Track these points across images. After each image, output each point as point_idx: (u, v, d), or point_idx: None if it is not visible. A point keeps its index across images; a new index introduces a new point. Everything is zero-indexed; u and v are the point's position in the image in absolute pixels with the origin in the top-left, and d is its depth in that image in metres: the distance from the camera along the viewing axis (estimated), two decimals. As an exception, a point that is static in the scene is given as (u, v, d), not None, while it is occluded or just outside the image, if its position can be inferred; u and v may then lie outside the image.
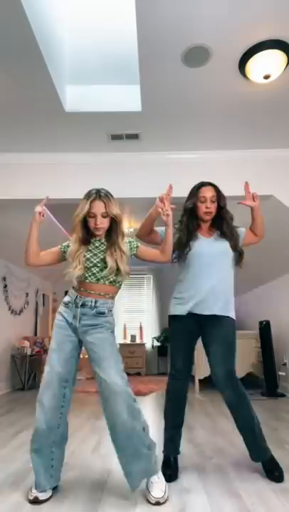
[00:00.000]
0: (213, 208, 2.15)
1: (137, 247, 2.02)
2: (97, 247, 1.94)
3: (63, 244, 2.04)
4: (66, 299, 1.94)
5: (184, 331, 2.13)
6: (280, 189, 3.84)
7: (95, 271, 1.89)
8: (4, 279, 5.74)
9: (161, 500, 1.69)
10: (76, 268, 1.85)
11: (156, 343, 8.35)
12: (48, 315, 7.85)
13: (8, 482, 1.97)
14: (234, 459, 2.30)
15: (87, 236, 1.96)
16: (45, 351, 6.45)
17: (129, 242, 2.00)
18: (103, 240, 1.96)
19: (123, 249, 1.91)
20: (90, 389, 5.42)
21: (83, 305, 1.87)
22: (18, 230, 5.11)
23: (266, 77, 2.74)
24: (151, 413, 3.91)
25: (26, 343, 5.88)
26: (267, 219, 4.23)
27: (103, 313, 1.88)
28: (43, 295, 7.50)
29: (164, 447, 2.13)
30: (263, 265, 5.26)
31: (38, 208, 2.00)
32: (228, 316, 2.09)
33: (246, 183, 2.23)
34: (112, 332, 1.90)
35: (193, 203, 2.17)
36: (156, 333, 8.44)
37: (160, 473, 1.81)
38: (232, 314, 2.12)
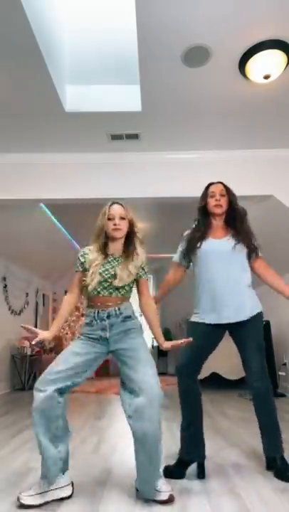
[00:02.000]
0: (223, 200, 2.19)
1: (143, 275, 1.99)
2: (109, 262, 1.93)
3: (77, 264, 1.98)
4: (87, 319, 1.91)
5: (200, 332, 2.11)
6: (280, 189, 3.84)
7: (106, 285, 1.90)
8: (4, 279, 5.74)
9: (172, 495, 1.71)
10: (93, 280, 1.87)
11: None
12: (48, 315, 7.85)
13: (8, 482, 1.97)
14: (234, 459, 2.30)
15: (105, 248, 1.96)
16: (45, 351, 6.46)
17: (141, 270, 1.99)
18: (117, 257, 1.96)
19: (133, 266, 1.93)
20: (89, 389, 5.43)
21: (109, 316, 1.87)
22: (18, 230, 5.13)
23: (266, 77, 2.74)
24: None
25: (26, 343, 5.89)
26: (267, 219, 4.26)
27: (129, 316, 1.92)
28: (43, 295, 7.51)
29: (182, 446, 2.09)
30: (263, 265, 5.26)
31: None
32: (252, 316, 2.12)
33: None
34: (143, 335, 1.95)
35: (204, 200, 2.23)
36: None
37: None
38: (255, 311, 2.14)
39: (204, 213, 2.24)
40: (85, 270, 1.92)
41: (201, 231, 2.21)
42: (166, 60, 2.72)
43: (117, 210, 1.95)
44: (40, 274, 7.20)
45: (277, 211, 3.99)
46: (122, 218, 1.94)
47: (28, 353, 5.81)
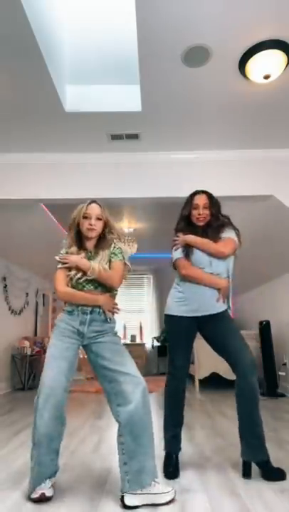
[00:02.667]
0: (205, 214, 2.26)
1: (114, 257, 1.98)
2: (89, 258, 1.97)
3: (58, 260, 2.00)
4: (69, 307, 1.94)
5: (182, 330, 2.19)
6: (280, 189, 3.84)
7: (89, 278, 1.93)
8: (4, 279, 5.74)
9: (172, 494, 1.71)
10: (76, 275, 1.91)
11: (156, 343, 8.35)
12: (48, 315, 7.85)
13: (8, 482, 1.97)
14: (234, 459, 2.30)
15: (79, 244, 2.01)
16: (45, 351, 6.45)
17: (114, 249, 2.00)
18: (92, 252, 2.00)
19: (106, 260, 1.95)
20: (89, 389, 5.42)
21: (92, 312, 1.91)
22: (18, 230, 5.13)
23: (266, 77, 2.74)
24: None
25: (26, 343, 5.89)
26: (267, 219, 4.26)
27: (110, 318, 1.95)
28: (43, 295, 7.51)
29: (165, 445, 2.16)
30: (262, 265, 5.27)
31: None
32: (225, 310, 2.20)
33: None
34: (119, 336, 1.99)
35: (188, 210, 2.30)
36: (156, 333, 8.45)
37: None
38: (227, 306, 2.23)
39: (188, 222, 2.32)
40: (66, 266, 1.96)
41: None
42: (166, 60, 2.72)
43: (94, 209, 1.99)
44: (40, 274, 7.19)
45: (277, 211, 3.99)
46: (98, 219, 1.98)
47: (28, 353, 5.81)
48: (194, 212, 2.28)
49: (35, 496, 1.70)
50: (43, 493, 1.69)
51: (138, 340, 8.28)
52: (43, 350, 6.31)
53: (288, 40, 2.55)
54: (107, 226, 2.02)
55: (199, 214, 2.26)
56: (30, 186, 3.90)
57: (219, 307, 2.17)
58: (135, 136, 3.66)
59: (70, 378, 1.86)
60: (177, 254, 2.29)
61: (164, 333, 8.23)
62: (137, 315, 8.52)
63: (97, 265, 1.89)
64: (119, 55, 3.09)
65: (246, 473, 1.97)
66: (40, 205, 4.88)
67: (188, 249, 2.23)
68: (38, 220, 5.26)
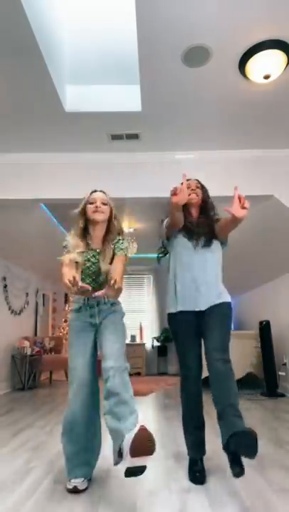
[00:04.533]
0: (198, 191, 2.25)
1: (118, 252, 1.97)
2: (94, 256, 1.97)
3: (64, 252, 2.00)
4: (76, 306, 1.98)
5: (186, 328, 2.09)
6: (280, 189, 3.84)
7: (94, 277, 1.97)
8: (4, 279, 5.74)
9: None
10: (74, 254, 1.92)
11: (156, 343, 8.35)
12: (48, 315, 7.85)
13: (8, 482, 1.97)
14: (234, 458, 2.30)
15: (85, 233, 2.01)
16: (45, 351, 6.46)
17: (119, 244, 2.00)
18: (98, 250, 1.99)
19: (110, 257, 1.96)
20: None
21: (98, 304, 1.94)
22: (19, 230, 5.13)
23: (266, 77, 2.74)
24: (152, 413, 3.91)
25: (26, 343, 5.89)
26: (267, 219, 4.26)
27: (115, 303, 1.99)
28: (43, 295, 7.50)
29: (188, 451, 2.09)
30: (262, 265, 5.27)
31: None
32: (222, 302, 2.07)
33: (236, 189, 2.04)
34: (122, 316, 2.01)
35: None
36: (156, 333, 8.44)
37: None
38: (225, 299, 2.09)
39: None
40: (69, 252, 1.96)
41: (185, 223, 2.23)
42: (166, 60, 2.72)
43: (98, 195, 2.02)
44: (40, 274, 7.20)
45: (277, 211, 3.99)
46: (104, 204, 2.00)
47: (28, 353, 5.81)
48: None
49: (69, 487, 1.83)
50: (76, 486, 1.82)
51: (138, 340, 8.28)
52: (43, 350, 6.32)
53: (288, 40, 2.55)
54: (112, 215, 2.02)
55: (192, 190, 2.22)
56: (30, 186, 3.90)
57: (218, 298, 2.06)
58: (135, 136, 3.66)
59: (94, 370, 1.92)
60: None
61: (164, 333, 8.24)
62: (137, 315, 8.51)
63: (113, 292, 1.79)
64: (119, 55, 3.09)
65: (237, 466, 1.66)
66: (40, 205, 4.88)
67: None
68: (38, 220, 5.26)
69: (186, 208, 2.19)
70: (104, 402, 1.72)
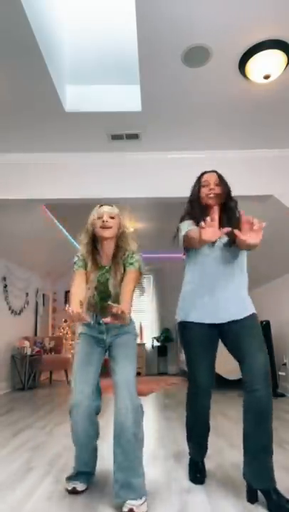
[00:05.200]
0: (217, 189, 1.97)
1: (129, 266, 1.88)
2: (103, 274, 1.88)
3: (78, 264, 1.92)
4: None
5: (201, 337, 1.88)
6: (280, 189, 3.84)
7: (103, 295, 1.89)
8: (4, 279, 5.74)
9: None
10: (89, 290, 1.84)
11: (156, 343, 8.35)
12: (48, 315, 7.85)
13: (8, 482, 1.97)
14: (234, 459, 2.30)
15: (94, 250, 1.92)
16: (45, 351, 6.46)
17: (131, 258, 1.89)
18: (108, 269, 1.90)
19: (121, 273, 1.86)
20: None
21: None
22: (18, 230, 5.13)
23: (266, 77, 2.74)
24: (152, 413, 3.91)
25: (26, 343, 5.88)
26: (267, 219, 4.25)
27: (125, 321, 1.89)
28: (43, 295, 7.50)
29: (189, 451, 2.04)
30: (263, 265, 5.26)
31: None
32: (249, 315, 1.87)
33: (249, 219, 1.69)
34: (136, 336, 1.94)
35: (197, 190, 2.03)
36: (156, 333, 8.44)
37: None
38: (251, 310, 1.91)
39: (199, 206, 2.01)
40: (86, 268, 1.88)
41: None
42: (167, 60, 2.72)
43: (105, 209, 1.91)
44: (40, 274, 7.20)
45: (277, 211, 3.99)
46: (112, 218, 1.89)
47: (28, 353, 5.81)
48: (204, 190, 1.99)
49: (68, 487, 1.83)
50: (75, 487, 1.81)
51: (138, 341, 8.28)
52: (42, 350, 6.32)
53: (288, 40, 2.55)
54: (121, 227, 1.92)
55: (210, 189, 1.97)
56: (30, 186, 3.90)
57: (244, 311, 1.85)
58: (135, 136, 3.66)
59: (98, 379, 1.86)
60: (187, 225, 1.94)
61: (164, 334, 8.24)
62: (137, 315, 8.51)
63: (127, 316, 1.70)
64: (119, 55, 3.10)
65: (251, 498, 1.69)
66: (40, 205, 4.88)
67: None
68: (38, 220, 5.26)
69: (204, 209, 1.97)
70: (114, 446, 1.70)
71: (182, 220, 2.05)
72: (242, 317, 1.84)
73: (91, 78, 3.31)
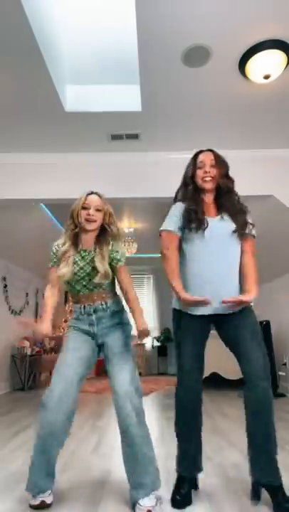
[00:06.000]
0: (213, 172, 1.86)
1: (118, 263, 1.84)
2: (83, 257, 1.83)
3: (52, 259, 1.89)
4: (75, 315, 1.90)
5: (195, 327, 1.82)
6: (280, 189, 3.84)
7: (84, 283, 1.84)
8: (4, 279, 5.74)
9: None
10: (64, 268, 1.79)
11: (156, 343, 8.35)
12: (47, 315, 7.84)
13: (8, 482, 1.97)
14: (234, 459, 2.30)
15: (77, 239, 1.88)
16: (45, 351, 6.46)
17: (114, 253, 1.84)
18: (91, 250, 1.85)
19: (106, 254, 1.83)
20: (89, 389, 5.42)
21: (96, 311, 1.84)
22: (19, 230, 5.13)
23: (266, 77, 2.74)
24: (152, 413, 3.91)
25: (26, 343, 5.88)
26: (267, 219, 4.26)
27: (118, 311, 1.89)
28: (43, 295, 7.50)
29: (178, 464, 1.80)
30: (262, 265, 5.25)
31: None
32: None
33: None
34: (130, 329, 1.90)
35: (192, 171, 1.92)
36: (156, 333, 8.44)
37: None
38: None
39: (194, 187, 1.91)
40: (58, 263, 1.83)
41: (196, 208, 1.83)
42: (166, 60, 2.72)
43: (93, 200, 1.85)
44: (40, 274, 7.18)
45: (277, 211, 3.99)
46: (98, 210, 1.84)
47: (28, 353, 5.81)
48: (199, 172, 1.88)
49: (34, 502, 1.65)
50: (43, 501, 1.64)
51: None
52: (43, 350, 6.31)
53: (288, 40, 2.55)
54: (107, 216, 1.86)
55: (206, 172, 1.85)
56: (30, 186, 3.90)
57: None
58: (135, 136, 3.67)
59: (84, 369, 1.79)
60: (171, 223, 1.87)
61: (164, 334, 8.24)
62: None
63: (146, 324, 1.78)
64: (119, 55, 3.10)
65: (255, 496, 1.66)
66: (40, 205, 4.88)
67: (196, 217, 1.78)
68: (38, 220, 5.26)
69: (198, 193, 1.89)
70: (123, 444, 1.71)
71: (175, 199, 1.98)
72: (239, 309, 1.78)
73: (91, 78, 3.31)
